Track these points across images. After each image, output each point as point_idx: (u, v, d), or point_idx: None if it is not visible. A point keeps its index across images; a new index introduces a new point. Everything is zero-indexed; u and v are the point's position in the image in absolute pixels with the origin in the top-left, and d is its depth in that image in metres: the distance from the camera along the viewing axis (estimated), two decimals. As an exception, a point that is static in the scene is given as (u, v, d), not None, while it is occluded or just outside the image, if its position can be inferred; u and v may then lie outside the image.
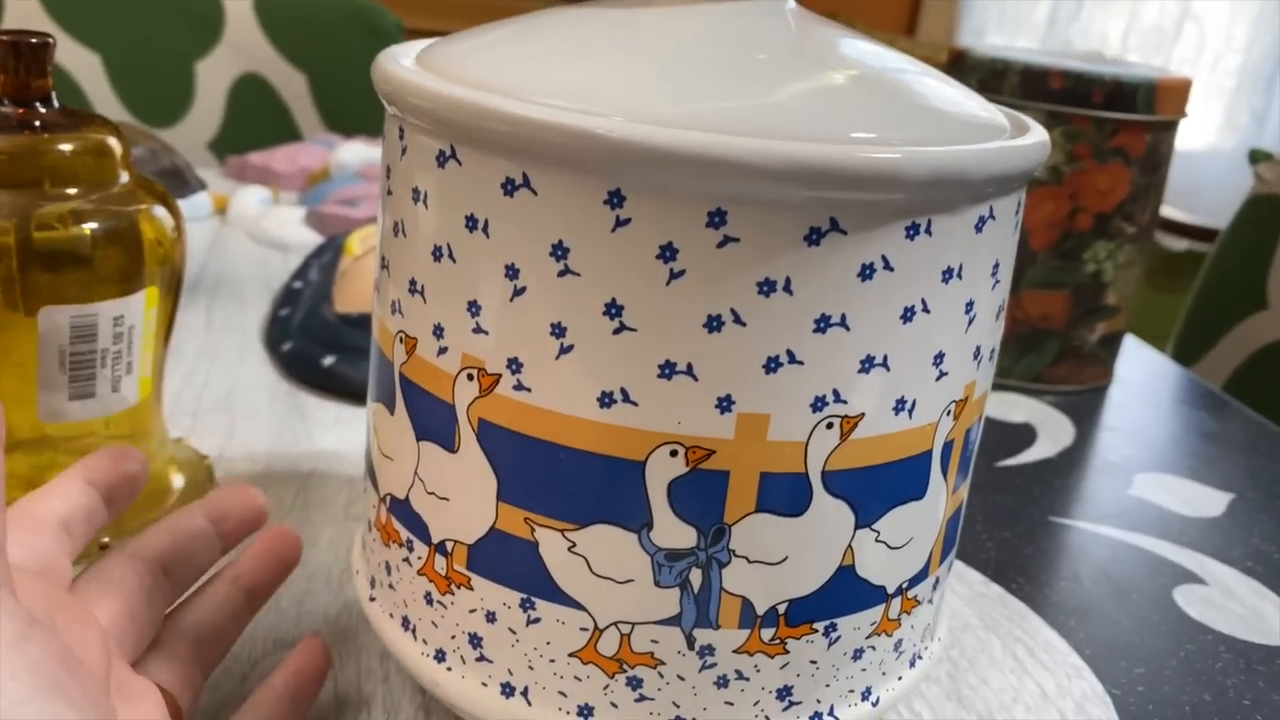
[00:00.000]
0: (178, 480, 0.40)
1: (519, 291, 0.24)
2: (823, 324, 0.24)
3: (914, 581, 0.28)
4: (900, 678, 0.30)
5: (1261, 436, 0.58)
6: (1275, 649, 0.39)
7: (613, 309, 0.23)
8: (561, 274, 0.24)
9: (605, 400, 0.24)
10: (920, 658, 0.31)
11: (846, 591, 0.27)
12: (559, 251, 0.24)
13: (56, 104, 0.34)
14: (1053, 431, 0.56)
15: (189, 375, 0.52)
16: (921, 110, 0.26)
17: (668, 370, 0.24)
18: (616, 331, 0.24)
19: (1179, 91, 0.58)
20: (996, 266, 0.27)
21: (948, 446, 0.27)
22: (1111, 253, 0.59)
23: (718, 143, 0.22)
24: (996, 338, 0.29)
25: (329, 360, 0.51)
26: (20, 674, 0.20)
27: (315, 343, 0.53)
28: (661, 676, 0.26)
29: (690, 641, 0.26)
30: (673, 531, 0.25)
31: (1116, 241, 0.59)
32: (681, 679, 0.26)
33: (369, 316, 0.54)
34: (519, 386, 0.25)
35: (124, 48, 1.03)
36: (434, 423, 0.27)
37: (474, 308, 0.25)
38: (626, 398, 0.24)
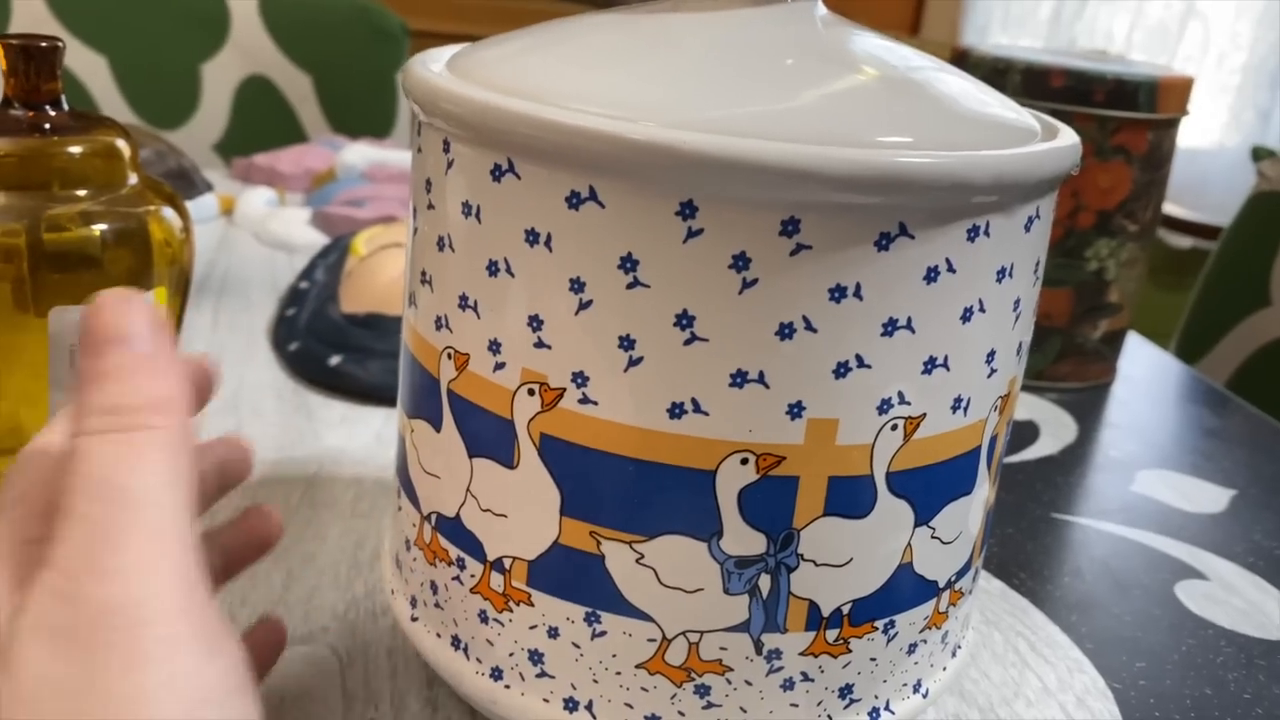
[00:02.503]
0: None
1: (585, 305, 0.24)
2: (890, 327, 0.24)
3: (960, 574, 0.29)
4: (945, 668, 0.30)
5: (1263, 433, 0.59)
6: (1276, 643, 0.39)
7: (684, 320, 0.23)
8: (630, 286, 0.23)
9: (675, 411, 0.24)
10: (960, 647, 0.31)
11: (905, 588, 0.27)
12: (628, 264, 0.23)
13: (66, 107, 0.33)
14: (1055, 429, 0.56)
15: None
16: (962, 114, 0.26)
17: (739, 379, 0.24)
18: (688, 342, 0.24)
19: (1181, 90, 0.58)
20: (1038, 265, 0.27)
21: (993, 441, 0.28)
22: (1114, 250, 0.59)
23: (795, 152, 0.22)
24: (1030, 333, 0.29)
25: (335, 360, 0.51)
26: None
27: (322, 342, 0.53)
28: (729, 683, 0.26)
29: (758, 646, 0.26)
30: (742, 539, 0.25)
31: (1119, 239, 0.59)
32: (749, 684, 0.26)
33: (375, 316, 0.54)
34: (585, 400, 0.25)
35: (130, 50, 1.02)
36: (490, 439, 0.26)
37: (535, 322, 0.25)
38: (697, 408, 0.24)
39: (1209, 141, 1.97)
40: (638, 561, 0.25)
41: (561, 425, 0.25)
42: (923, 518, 0.26)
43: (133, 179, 0.35)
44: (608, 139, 0.22)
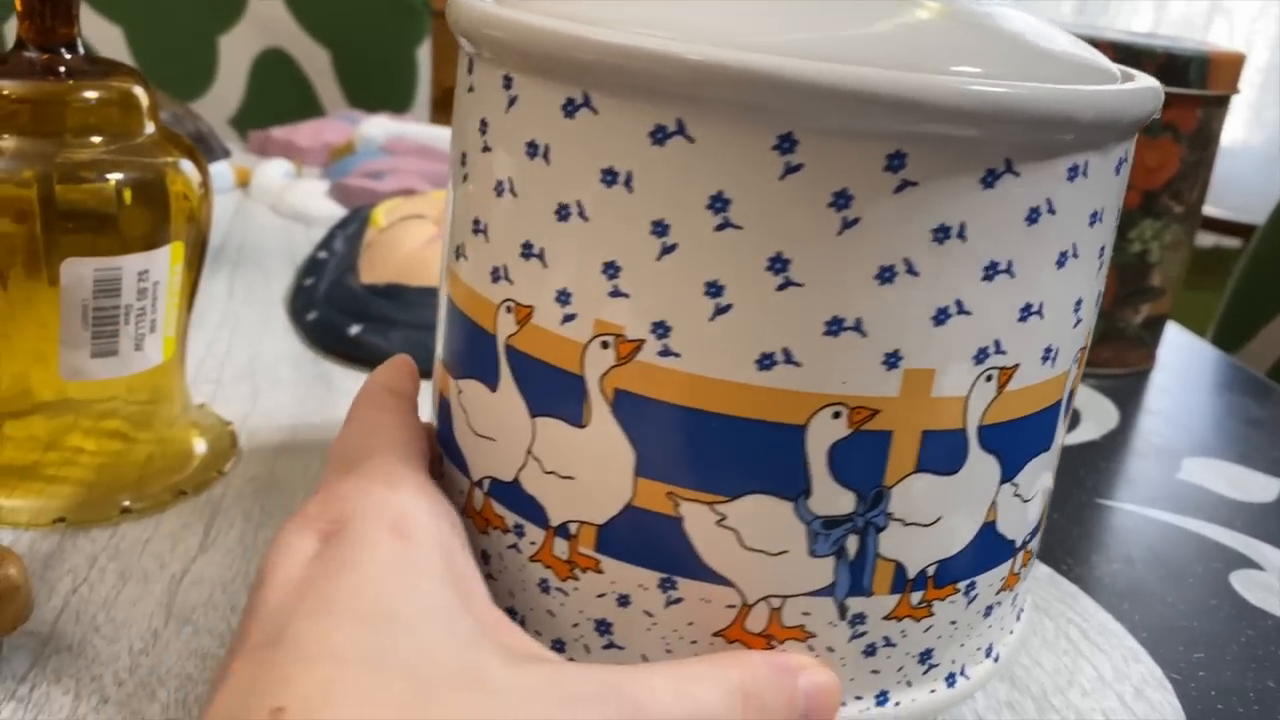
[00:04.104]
0: (200, 445, 0.39)
1: (668, 249, 0.22)
2: (991, 271, 0.23)
3: (1033, 534, 0.28)
4: (1012, 632, 0.29)
5: (1309, 424, 0.57)
6: (1339, 638, 0.38)
7: (777, 263, 0.22)
8: (720, 228, 0.22)
9: (765, 362, 0.23)
10: (1024, 610, 0.30)
11: (987, 548, 0.26)
12: (718, 203, 0.22)
13: (82, 51, 0.31)
14: (1097, 414, 0.55)
15: (211, 343, 0.50)
16: (1047, 51, 0.25)
17: (835, 327, 0.22)
18: (781, 288, 0.22)
19: (1232, 66, 0.56)
20: (1118, 212, 0.26)
21: (1070, 396, 0.27)
22: (1158, 232, 0.57)
23: (907, 81, 0.20)
24: (1104, 284, 0.28)
25: (355, 329, 0.50)
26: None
27: (341, 312, 0.51)
28: (812, 650, 0.25)
29: (842, 611, 0.25)
30: (831, 498, 0.24)
31: (1164, 221, 0.57)
32: (831, 650, 0.25)
33: (397, 286, 0.52)
34: (665, 352, 0.23)
35: (147, 21, 0.99)
36: (555, 396, 0.25)
37: (611, 269, 0.23)
38: (789, 358, 0.22)
39: (1232, 140, 1.93)
40: (718, 523, 0.24)
41: (638, 379, 0.23)
42: (1008, 474, 0.25)
43: (150, 128, 0.33)
44: (703, 68, 0.21)
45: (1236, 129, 1.94)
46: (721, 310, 0.22)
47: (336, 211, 0.70)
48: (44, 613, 0.31)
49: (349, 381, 0.48)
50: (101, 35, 0.99)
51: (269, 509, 0.37)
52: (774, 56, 0.21)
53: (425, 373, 0.31)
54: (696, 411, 0.23)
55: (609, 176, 0.23)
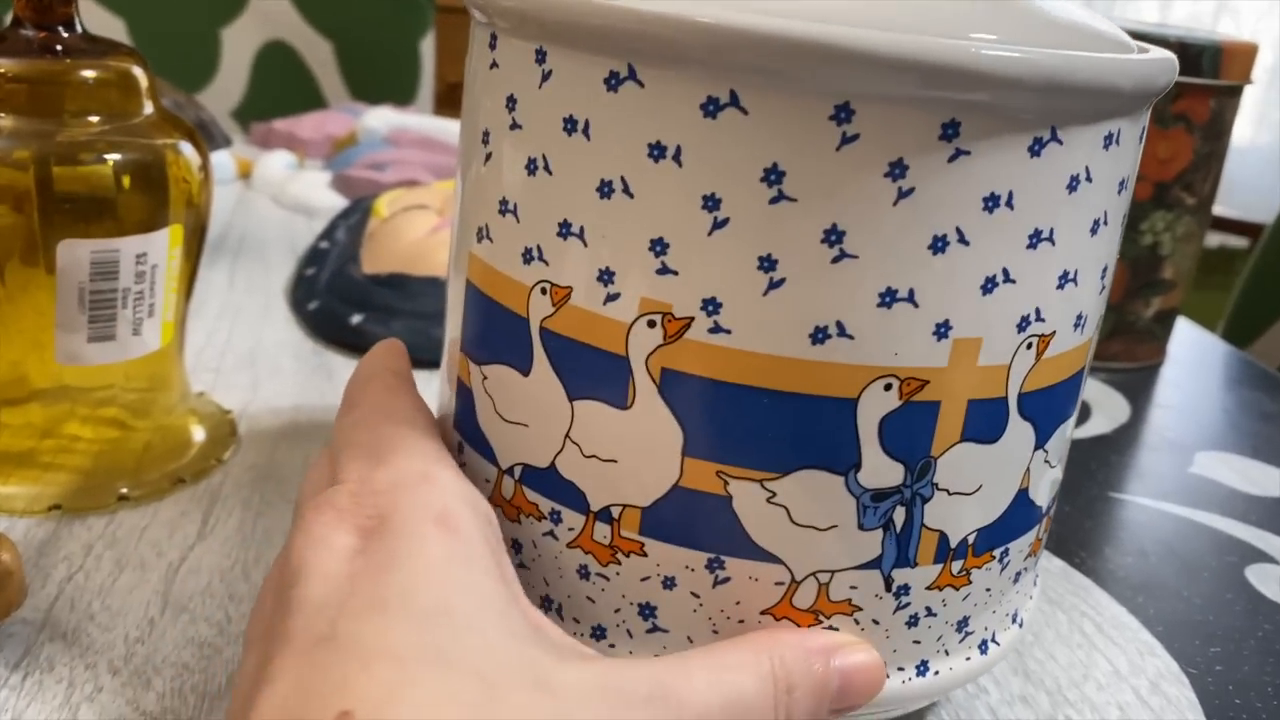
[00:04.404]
0: (198, 433, 0.38)
1: (719, 224, 0.22)
2: (1035, 239, 0.23)
3: (1054, 500, 0.28)
4: (1031, 597, 0.30)
5: (1321, 420, 0.57)
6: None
7: (832, 235, 0.22)
8: (774, 200, 0.22)
9: (819, 336, 0.22)
10: (1039, 576, 0.31)
11: (1021, 515, 0.26)
12: (772, 176, 0.22)
13: (80, 29, 0.29)
14: (1107, 408, 0.54)
15: (212, 333, 0.49)
16: (1075, 25, 0.25)
17: (888, 298, 0.22)
18: (836, 260, 0.22)
19: (1245, 56, 0.56)
20: (1134, 181, 0.27)
21: (1089, 362, 0.27)
22: (1170, 224, 0.56)
23: (965, 50, 0.20)
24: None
25: (357, 319, 0.49)
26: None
27: (343, 301, 0.50)
28: (857, 623, 0.25)
29: (888, 583, 0.25)
30: (881, 470, 0.24)
31: (1175, 212, 0.56)
32: (876, 623, 0.25)
33: (399, 276, 0.51)
34: (716, 329, 0.23)
35: (149, 13, 0.97)
36: (596, 378, 0.24)
37: (659, 246, 0.23)
38: (842, 331, 0.22)
39: (1239, 139, 1.95)
40: (769, 500, 0.24)
41: (687, 358, 0.23)
42: (1041, 441, 0.26)
43: (149, 109, 0.31)
44: (759, 38, 0.20)
45: (1243, 128, 1.94)
46: (775, 285, 0.22)
47: (338, 202, 0.69)
48: (39, 600, 0.30)
49: (349, 371, 0.47)
50: (104, 27, 0.96)
51: (268, 498, 0.36)
52: (831, 26, 0.20)
53: (422, 362, 0.31)
54: (747, 388, 0.23)
55: (656, 151, 0.22)
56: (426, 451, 0.25)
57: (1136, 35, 0.55)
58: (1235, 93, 0.57)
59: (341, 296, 0.51)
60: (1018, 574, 0.27)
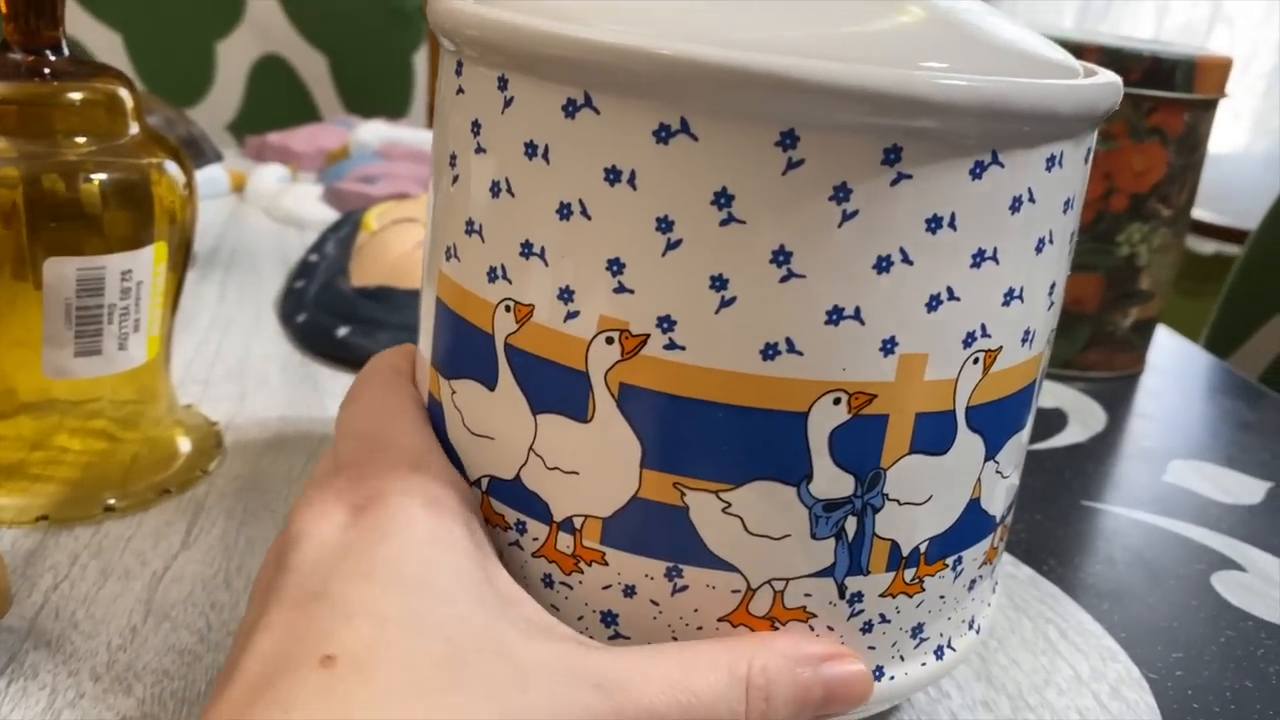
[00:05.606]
0: (185, 445, 0.39)
1: (673, 245, 0.23)
2: (979, 258, 0.24)
3: (1010, 509, 0.29)
4: (989, 604, 0.31)
5: (1301, 427, 0.57)
6: (1320, 638, 0.38)
7: (780, 256, 0.23)
8: (724, 223, 0.23)
9: (769, 352, 0.23)
10: (998, 584, 0.32)
11: (973, 524, 0.27)
12: (722, 199, 0.22)
13: (67, 53, 0.31)
14: (1084, 417, 0.55)
15: (201, 345, 0.50)
16: (1015, 49, 0.26)
17: (836, 316, 0.23)
18: (784, 279, 0.23)
19: (1219, 70, 0.56)
20: (1083, 200, 0.28)
21: (1041, 375, 0.28)
22: (1146, 235, 0.57)
23: (905, 78, 0.21)
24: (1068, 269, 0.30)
25: (343, 331, 0.50)
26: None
27: (330, 314, 0.51)
28: (813, 629, 0.26)
29: (842, 591, 0.26)
30: (832, 481, 0.24)
31: (1152, 224, 0.57)
32: (831, 629, 0.26)
33: (386, 289, 0.52)
34: (671, 345, 0.24)
35: (145, 27, 0.98)
36: (558, 393, 0.25)
37: (615, 266, 0.23)
38: (792, 348, 0.23)
39: (1234, 146, 1.94)
40: (724, 511, 0.24)
41: (643, 373, 0.24)
42: (991, 452, 0.26)
43: (134, 129, 0.32)
44: (708, 68, 0.21)
45: (1239, 136, 1.92)
46: (726, 303, 0.23)
47: (330, 215, 0.70)
48: (23, 609, 0.31)
49: (336, 383, 0.48)
50: (101, 42, 0.98)
51: (251, 508, 0.37)
52: (777, 56, 0.21)
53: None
54: (702, 402, 0.24)
55: (612, 175, 0.23)
56: (418, 442, 0.27)
57: (1111, 51, 0.56)
58: (1210, 106, 0.58)
59: (329, 309, 0.52)
60: (972, 581, 0.28)
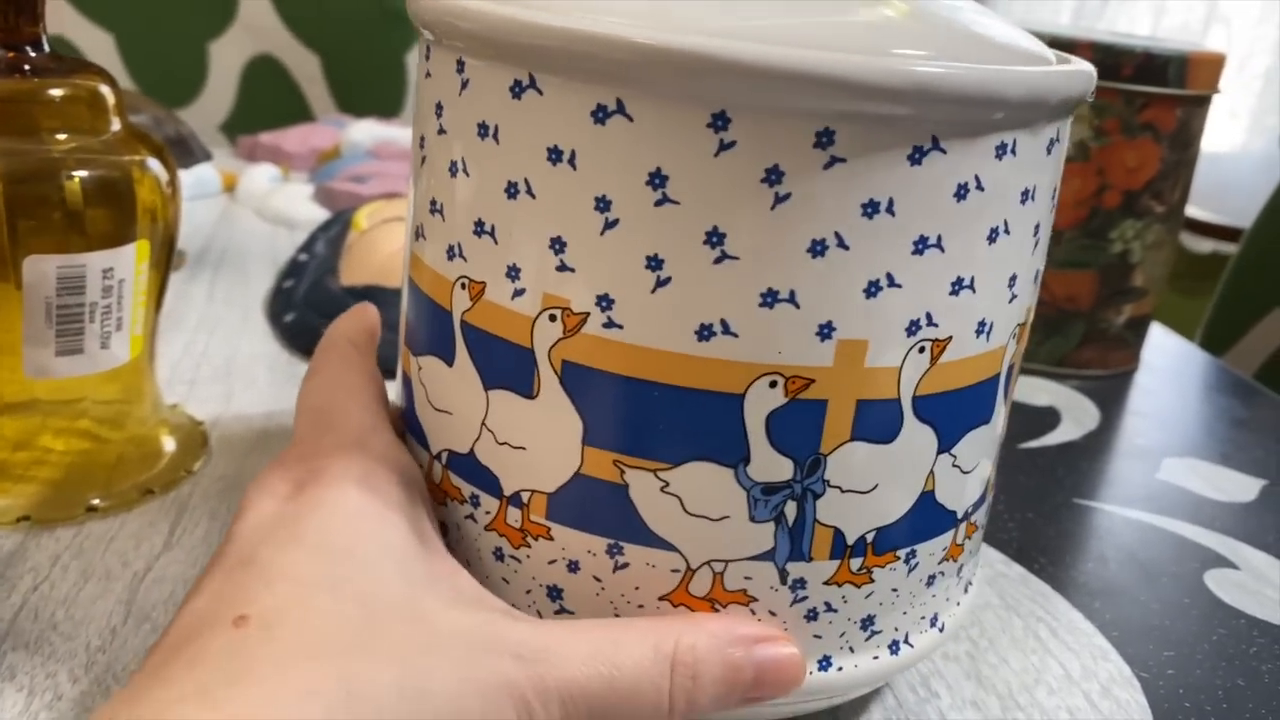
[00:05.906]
0: (169, 444, 0.39)
1: (610, 224, 0.23)
2: (921, 245, 0.24)
3: (976, 506, 0.29)
4: (958, 603, 0.30)
5: (1295, 424, 0.57)
6: (1312, 636, 0.37)
7: (714, 237, 0.23)
8: (659, 203, 0.23)
9: (704, 333, 0.23)
10: (971, 584, 0.31)
11: (927, 518, 0.27)
12: (656, 180, 0.23)
13: (48, 49, 0.32)
14: (1077, 415, 0.54)
15: (188, 345, 0.50)
16: (984, 37, 0.26)
17: (769, 299, 0.23)
18: (718, 261, 0.23)
19: (1212, 66, 0.56)
20: (1054, 192, 0.27)
21: (1010, 370, 0.28)
22: (1140, 232, 0.57)
23: (833, 60, 0.21)
24: (1043, 263, 0.29)
25: None
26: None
27: (319, 313, 0.52)
28: (754, 614, 0.26)
29: (783, 576, 0.26)
30: (770, 464, 0.24)
31: (1145, 220, 0.57)
32: (773, 615, 0.26)
33: (375, 288, 0.52)
34: (609, 324, 0.24)
35: (137, 27, 1.00)
36: (507, 369, 0.25)
37: (557, 245, 0.24)
38: (726, 329, 0.23)
39: (1231, 145, 1.92)
40: (662, 490, 0.25)
41: (584, 351, 0.24)
42: (945, 445, 0.26)
43: (116, 126, 0.33)
44: (639, 49, 0.22)
45: (1236, 135, 1.91)
46: (662, 283, 0.23)
47: (320, 215, 0.70)
48: (3, 610, 0.31)
49: None
50: (92, 42, 0.99)
51: (235, 508, 0.36)
52: (705, 37, 0.22)
53: (393, 372, 0.32)
54: (640, 381, 0.24)
55: (554, 155, 0.24)
56: (365, 420, 0.29)
57: (1102, 47, 0.55)
58: (1203, 102, 0.57)
59: (317, 309, 0.52)
60: (931, 577, 0.28)
